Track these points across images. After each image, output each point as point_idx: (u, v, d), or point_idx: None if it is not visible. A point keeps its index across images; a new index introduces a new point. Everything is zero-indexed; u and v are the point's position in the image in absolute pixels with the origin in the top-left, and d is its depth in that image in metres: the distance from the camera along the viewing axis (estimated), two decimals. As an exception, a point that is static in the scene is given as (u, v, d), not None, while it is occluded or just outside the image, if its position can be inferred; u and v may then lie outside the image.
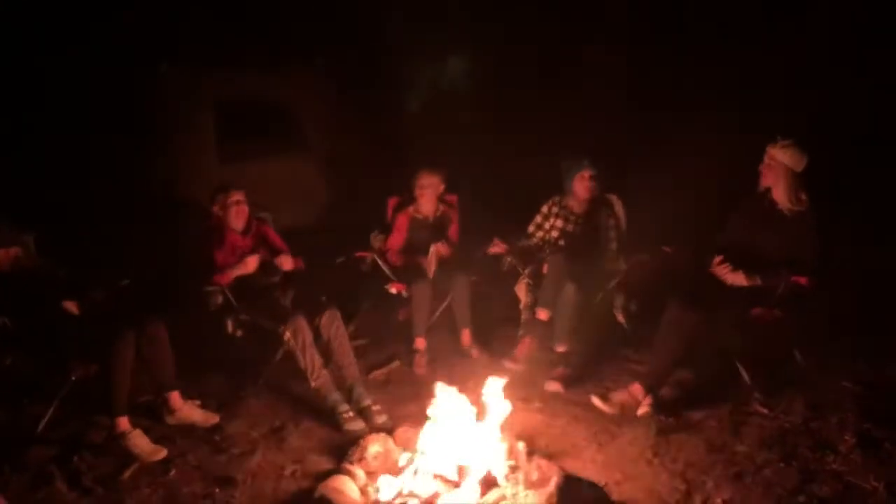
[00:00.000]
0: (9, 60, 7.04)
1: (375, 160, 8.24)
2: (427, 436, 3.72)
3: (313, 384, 4.42)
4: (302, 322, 4.46)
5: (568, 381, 4.74)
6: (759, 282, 4.29)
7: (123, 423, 4.01)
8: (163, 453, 3.95)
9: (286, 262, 4.94)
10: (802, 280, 4.16)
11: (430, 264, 5.37)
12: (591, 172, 5.26)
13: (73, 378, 4.09)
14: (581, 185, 5.30)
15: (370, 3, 8.98)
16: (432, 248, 5.36)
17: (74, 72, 7.18)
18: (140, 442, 3.96)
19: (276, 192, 7.01)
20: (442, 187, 5.59)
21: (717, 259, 4.38)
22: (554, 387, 4.68)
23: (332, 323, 4.62)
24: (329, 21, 8.58)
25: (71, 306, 4.21)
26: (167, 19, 7.66)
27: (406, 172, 5.69)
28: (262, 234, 5.05)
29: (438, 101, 8.83)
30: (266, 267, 4.89)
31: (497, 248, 5.27)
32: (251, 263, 4.75)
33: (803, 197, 4.27)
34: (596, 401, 4.34)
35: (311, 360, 4.41)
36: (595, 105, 7.90)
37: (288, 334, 4.41)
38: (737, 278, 4.34)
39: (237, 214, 4.86)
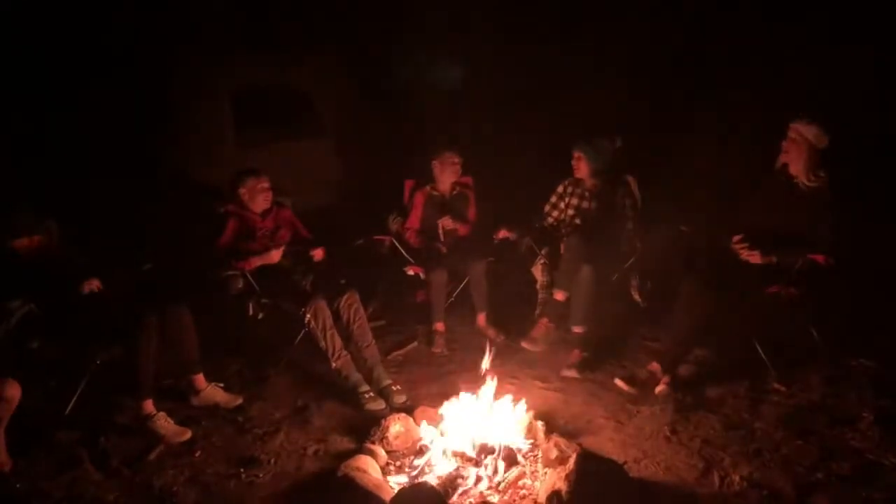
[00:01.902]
0: (23, 46, 7.06)
1: (391, 143, 8.24)
2: (447, 414, 3.79)
3: (334, 365, 4.48)
4: (322, 304, 4.51)
5: (584, 366, 4.75)
6: (774, 260, 4.27)
7: (148, 405, 4.08)
8: (187, 435, 4.02)
9: (318, 254, 4.97)
10: (819, 258, 4.15)
11: (442, 239, 5.52)
12: (576, 153, 5.32)
13: (99, 361, 4.17)
14: (573, 165, 5.35)
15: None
16: (440, 223, 5.49)
17: (92, 60, 7.19)
18: (165, 424, 4.03)
19: (293, 177, 7.02)
20: (459, 167, 5.62)
21: (738, 237, 4.37)
22: (570, 374, 4.68)
23: (352, 305, 4.67)
24: (344, 5, 8.54)
25: (94, 284, 4.22)
26: (184, 7, 7.65)
27: (423, 154, 5.71)
28: (282, 218, 5.09)
29: (454, 83, 8.80)
30: (291, 255, 4.94)
31: (504, 234, 5.31)
32: (275, 256, 4.80)
33: (821, 174, 4.24)
34: (620, 383, 4.39)
35: (331, 341, 4.47)
36: (612, 89, 7.84)
37: (309, 316, 4.46)
38: (752, 257, 4.33)
39: (263, 201, 4.92)
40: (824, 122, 4.21)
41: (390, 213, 5.74)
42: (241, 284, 4.71)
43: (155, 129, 7.50)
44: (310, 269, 4.95)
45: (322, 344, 4.48)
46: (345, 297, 4.68)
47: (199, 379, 4.43)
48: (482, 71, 8.68)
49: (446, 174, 5.59)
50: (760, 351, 4.49)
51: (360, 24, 8.75)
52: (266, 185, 4.92)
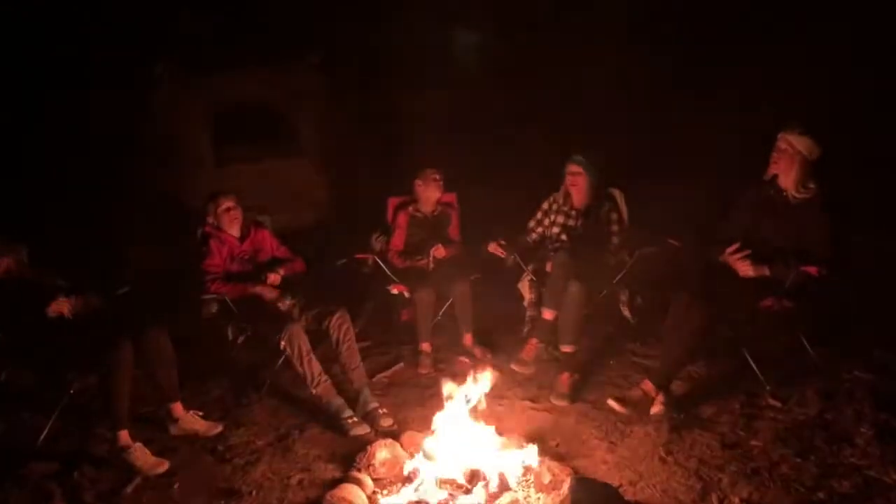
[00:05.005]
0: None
1: (373, 160, 8.17)
2: (435, 440, 3.66)
3: (314, 392, 4.35)
4: (297, 330, 4.37)
5: (574, 392, 4.59)
6: (767, 272, 4.19)
7: (124, 436, 3.92)
8: (165, 466, 3.87)
9: (272, 278, 4.81)
10: (812, 269, 4.06)
11: (430, 264, 5.38)
12: (574, 168, 5.18)
13: (72, 391, 4.03)
14: (567, 180, 5.23)
15: (365, 2, 8.92)
16: (432, 252, 5.36)
17: (69, 80, 7.10)
18: (142, 455, 3.87)
19: (274, 194, 6.95)
20: (442, 183, 5.53)
21: (733, 248, 4.27)
22: (561, 403, 4.53)
23: (342, 325, 4.55)
24: (324, 21, 8.49)
25: (60, 306, 4.07)
26: (161, 25, 7.58)
27: (404, 172, 5.62)
28: (260, 239, 4.97)
29: (436, 99, 8.76)
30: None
31: (496, 249, 5.18)
32: (270, 293, 4.75)
33: (811, 185, 4.17)
34: (613, 403, 4.23)
35: (308, 367, 4.33)
36: (598, 101, 7.84)
37: (284, 343, 4.32)
38: (745, 269, 4.25)
39: (231, 221, 4.82)
40: (816, 132, 4.13)
41: (373, 233, 5.65)
42: (215, 309, 4.60)
43: (132, 149, 7.40)
44: (288, 290, 4.83)
45: (300, 370, 4.34)
46: (335, 315, 4.56)
47: (177, 407, 4.28)
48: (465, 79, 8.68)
49: (430, 191, 5.50)
50: (754, 365, 4.40)
51: (341, 42, 8.71)
52: (228, 204, 4.82)
